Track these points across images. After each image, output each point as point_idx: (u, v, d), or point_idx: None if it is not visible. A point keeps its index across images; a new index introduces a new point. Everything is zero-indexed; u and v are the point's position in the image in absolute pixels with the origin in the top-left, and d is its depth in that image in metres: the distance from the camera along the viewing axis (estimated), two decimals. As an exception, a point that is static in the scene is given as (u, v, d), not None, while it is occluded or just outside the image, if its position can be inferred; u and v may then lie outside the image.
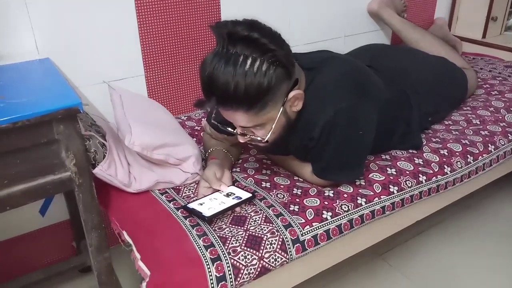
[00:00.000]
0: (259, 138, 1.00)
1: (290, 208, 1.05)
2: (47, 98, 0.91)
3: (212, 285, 0.88)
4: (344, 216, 1.06)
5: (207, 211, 0.99)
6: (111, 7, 1.29)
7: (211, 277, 0.88)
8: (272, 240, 0.96)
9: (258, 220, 1.00)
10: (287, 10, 1.66)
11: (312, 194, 1.11)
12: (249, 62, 0.87)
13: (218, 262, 0.90)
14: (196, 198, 1.08)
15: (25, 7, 1.15)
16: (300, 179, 1.18)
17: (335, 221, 1.05)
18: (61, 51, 1.24)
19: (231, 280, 0.90)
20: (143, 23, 1.36)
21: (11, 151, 0.85)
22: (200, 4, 1.45)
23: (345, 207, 1.07)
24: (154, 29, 1.39)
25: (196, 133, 1.41)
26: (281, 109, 0.96)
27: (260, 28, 0.90)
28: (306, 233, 1.00)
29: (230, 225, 0.99)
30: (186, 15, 1.44)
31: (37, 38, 1.20)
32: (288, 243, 0.97)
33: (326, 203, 1.07)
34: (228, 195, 1.06)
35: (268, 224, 0.99)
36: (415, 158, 1.25)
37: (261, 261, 0.93)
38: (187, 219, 1.00)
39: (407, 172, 1.20)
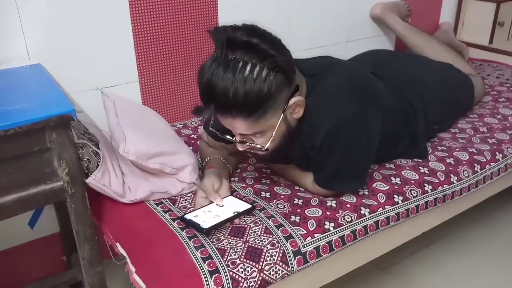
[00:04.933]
0: (258, 146, 1.02)
1: (291, 219, 1.06)
2: (40, 105, 0.93)
3: (210, 299, 0.90)
4: (347, 227, 1.08)
5: (205, 223, 1.00)
6: (105, 11, 1.32)
7: (209, 291, 0.90)
8: (272, 252, 0.98)
9: (258, 231, 1.02)
10: (287, 14, 1.70)
11: (313, 204, 1.13)
12: (248, 68, 0.89)
13: (216, 274, 0.91)
14: (193, 208, 1.09)
15: (16, 12, 1.18)
16: (301, 189, 1.20)
17: (337, 232, 1.06)
18: (52, 56, 1.26)
19: (230, 293, 0.91)
20: (138, 27, 1.39)
21: (2, 160, 0.87)
22: (197, 8, 1.48)
23: (348, 218, 1.09)
24: (149, 34, 1.42)
25: (192, 141, 1.43)
26: (282, 116, 0.98)
27: (260, 34, 0.93)
28: (307, 244, 1.02)
29: (229, 237, 1.00)
30: (182, 19, 1.47)
31: (28, 43, 1.22)
32: (289, 255, 0.99)
33: (328, 213, 1.09)
34: (226, 205, 1.07)
35: (268, 235, 1.01)
36: (420, 167, 1.28)
37: (261, 274, 0.95)
38: (184, 231, 1.02)
39: (412, 182, 1.22)
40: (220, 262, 0.94)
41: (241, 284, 0.92)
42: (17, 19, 1.19)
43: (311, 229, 1.04)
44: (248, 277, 0.93)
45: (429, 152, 1.36)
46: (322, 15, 1.79)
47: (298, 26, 1.73)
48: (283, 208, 1.10)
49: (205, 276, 0.91)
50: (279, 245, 0.99)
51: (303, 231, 1.03)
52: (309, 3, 1.73)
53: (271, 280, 0.96)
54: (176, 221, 1.05)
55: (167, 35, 1.45)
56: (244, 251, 0.96)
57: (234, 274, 0.93)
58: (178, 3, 1.44)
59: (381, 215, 1.13)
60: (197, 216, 1.04)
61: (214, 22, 1.53)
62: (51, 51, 1.26)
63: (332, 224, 1.07)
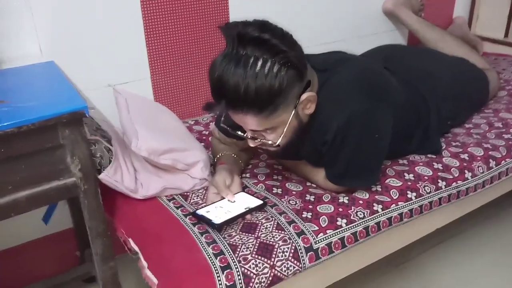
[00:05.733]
0: (270, 142, 1.02)
1: (303, 215, 1.06)
2: (52, 102, 0.94)
3: (222, 295, 0.90)
4: (359, 223, 1.07)
5: (217, 218, 1.00)
6: (117, 9, 1.32)
7: (220, 286, 0.89)
8: (284, 248, 0.97)
9: (270, 227, 1.02)
10: (298, 10, 1.68)
11: (325, 200, 1.12)
12: (259, 63, 0.89)
13: (228, 270, 0.91)
14: (205, 204, 1.09)
15: (29, 10, 1.19)
16: (313, 185, 1.19)
17: (350, 228, 1.05)
18: (65, 54, 1.27)
19: (241, 289, 0.91)
20: (149, 24, 1.39)
21: (15, 156, 0.88)
22: (208, 4, 1.48)
23: (360, 214, 1.08)
24: (161, 31, 1.42)
25: (204, 137, 1.43)
26: (293, 112, 0.98)
27: (271, 29, 0.92)
28: (319, 241, 1.01)
29: (241, 233, 1.00)
30: (193, 15, 1.46)
31: (41, 41, 1.23)
32: (301, 251, 0.98)
33: (340, 209, 1.08)
34: (238, 201, 1.07)
35: (280, 231, 1.00)
36: (434, 163, 1.26)
37: (273, 270, 0.94)
38: (196, 226, 1.02)
39: (426, 178, 1.20)
40: (232, 258, 0.93)
41: (252, 280, 0.92)
42: (30, 17, 1.20)
43: (323, 226, 1.03)
44: (260, 273, 0.93)
45: (443, 147, 1.34)
46: (333, 10, 1.77)
47: (309, 22, 1.72)
48: (295, 204, 1.09)
49: (216, 271, 0.91)
50: (291, 241, 0.99)
51: (315, 227, 1.03)
52: (320, -2, 1.72)
53: (283, 276, 0.96)
54: (188, 217, 1.05)
55: (178, 31, 1.45)
56: (256, 247, 0.96)
57: (245, 270, 0.92)
58: (189, 0, 1.44)
59: (394, 211, 1.12)
60: (208, 211, 1.04)
61: (225, 18, 1.53)
62: (63, 49, 1.27)
63: (345, 221, 1.06)
